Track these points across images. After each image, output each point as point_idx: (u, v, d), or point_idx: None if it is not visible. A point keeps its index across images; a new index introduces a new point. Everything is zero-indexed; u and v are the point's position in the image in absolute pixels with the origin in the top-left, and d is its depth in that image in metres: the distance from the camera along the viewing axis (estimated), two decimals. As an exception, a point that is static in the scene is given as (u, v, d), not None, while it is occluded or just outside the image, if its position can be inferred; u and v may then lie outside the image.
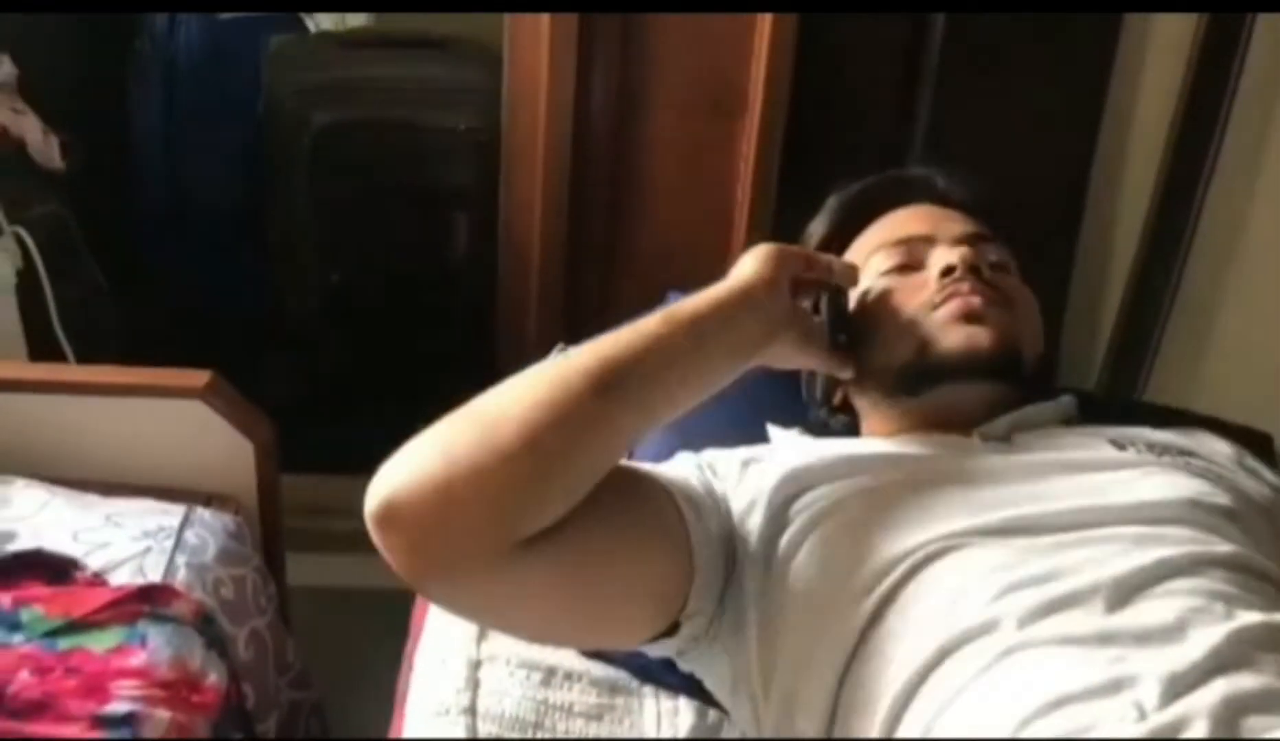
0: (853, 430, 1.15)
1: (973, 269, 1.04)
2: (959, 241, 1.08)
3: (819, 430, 1.16)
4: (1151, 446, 1.00)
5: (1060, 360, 1.86)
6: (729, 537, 0.96)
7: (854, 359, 1.06)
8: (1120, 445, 1.00)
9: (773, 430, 1.17)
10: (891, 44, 1.84)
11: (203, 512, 1.39)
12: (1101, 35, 1.79)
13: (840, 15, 1.79)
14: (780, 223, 1.82)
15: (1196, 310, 1.88)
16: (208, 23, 2.19)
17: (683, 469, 1.01)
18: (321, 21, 2.23)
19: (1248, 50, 1.72)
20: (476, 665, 1.09)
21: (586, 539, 0.86)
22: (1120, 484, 0.94)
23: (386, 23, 2.29)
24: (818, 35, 1.79)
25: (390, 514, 0.80)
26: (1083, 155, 1.84)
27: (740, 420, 1.15)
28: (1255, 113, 1.77)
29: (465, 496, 0.80)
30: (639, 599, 0.92)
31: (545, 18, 1.75)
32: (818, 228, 1.20)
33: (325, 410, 2.04)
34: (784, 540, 0.96)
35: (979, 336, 1.01)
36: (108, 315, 2.08)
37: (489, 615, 0.93)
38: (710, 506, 0.96)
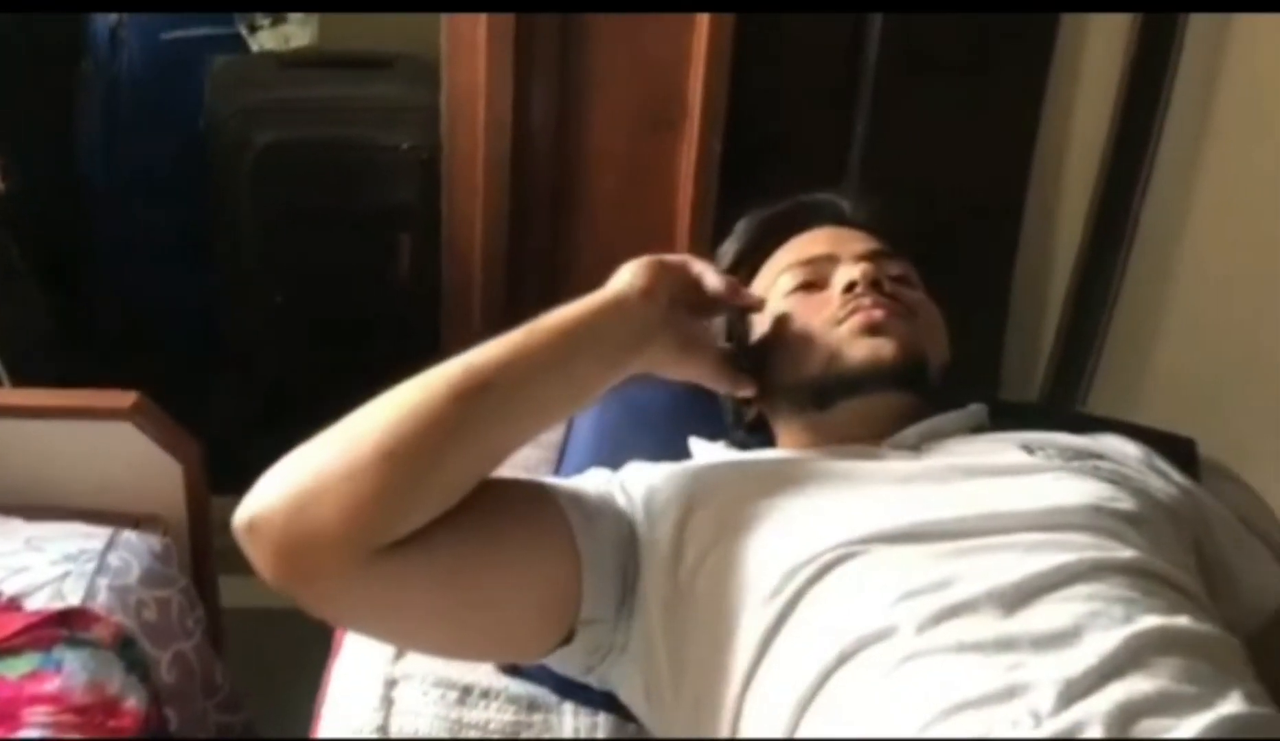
0: (770, 445, 1.15)
1: (874, 283, 1.06)
2: (860, 258, 1.10)
3: (742, 447, 1.17)
4: (1061, 451, 1.01)
5: (1002, 372, 1.87)
6: (626, 546, 0.96)
7: (753, 378, 1.08)
8: (1029, 450, 1.01)
9: (695, 443, 1.17)
10: (829, 55, 1.85)
11: (129, 535, 1.37)
12: (1038, 42, 1.80)
13: (778, 27, 1.81)
14: (721, 234, 1.82)
15: (1137, 318, 1.89)
16: (150, 43, 2.17)
17: (582, 479, 1.03)
18: (264, 42, 2.23)
19: (1181, 54, 1.73)
20: (391, 684, 1.08)
21: (457, 545, 0.88)
22: (1025, 489, 0.94)
23: (330, 42, 2.29)
24: (755, 47, 1.79)
25: (251, 525, 0.84)
26: (1021, 164, 1.85)
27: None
28: (1191, 117, 1.78)
29: (320, 505, 0.82)
30: (524, 605, 0.93)
31: (482, 31, 1.75)
32: (728, 250, 1.23)
33: (269, 430, 2.02)
34: (689, 550, 0.96)
35: (883, 348, 1.03)
36: (48, 336, 2.07)
37: (364, 623, 0.94)
38: (607, 514, 0.97)
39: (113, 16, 2.15)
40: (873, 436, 1.05)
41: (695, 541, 0.96)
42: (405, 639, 0.99)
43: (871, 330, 1.04)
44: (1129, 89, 1.76)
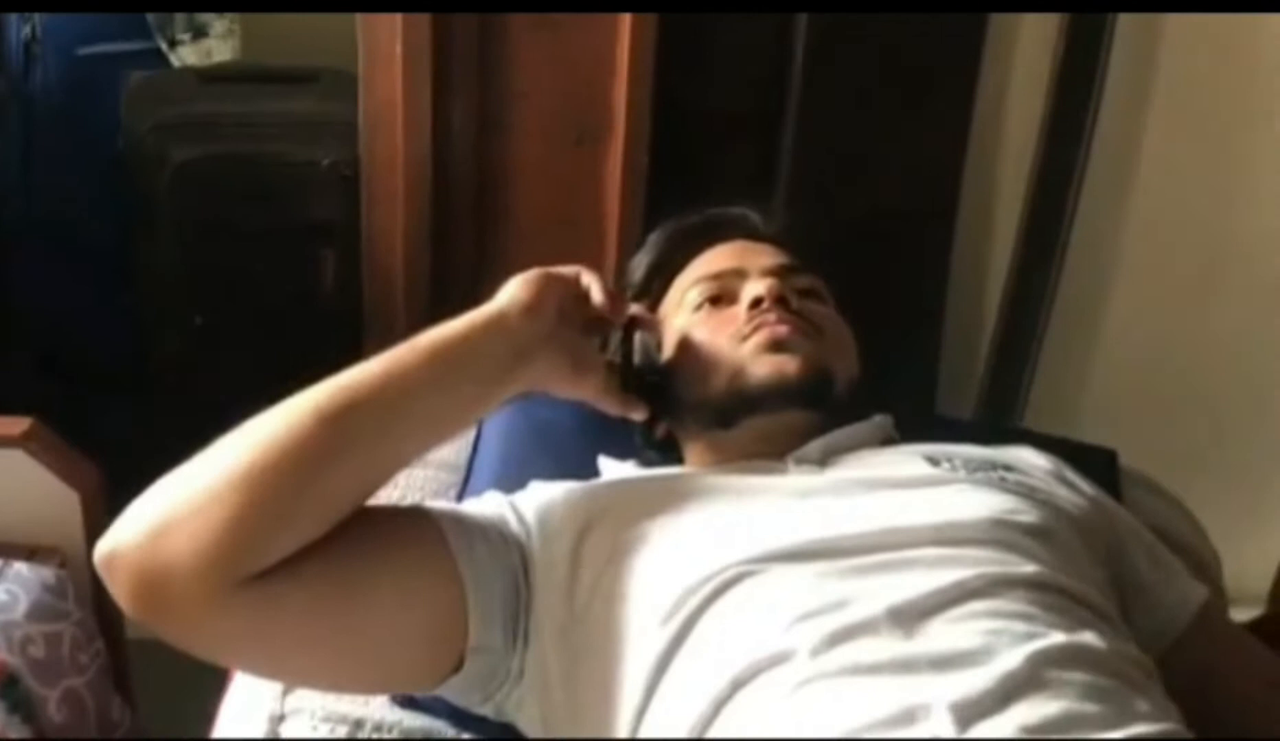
0: (679, 463, 1.12)
1: (779, 299, 1.04)
2: (767, 273, 1.08)
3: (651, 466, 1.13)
4: (966, 462, 0.98)
5: (938, 387, 1.84)
6: (516, 570, 0.92)
7: (644, 400, 1.04)
8: (934, 461, 0.98)
9: (604, 463, 1.14)
10: (756, 63, 1.82)
11: (19, 567, 1.31)
12: (966, 46, 1.77)
13: (703, 35, 1.78)
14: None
15: (1072, 328, 1.87)
16: (66, 60, 2.12)
17: (474, 502, 0.99)
18: (185, 57, 2.17)
19: (1110, 55, 1.71)
20: (279, 720, 1.03)
21: (327, 573, 0.84)
22: (926, 502, 0.91)
23: (253, 57, 2.24)
24: (681, 57, 1.77)
25: (108, 559, 0.81)
26: (952, 170, 1.82)
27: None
28: (1123, 121, 1.77)
29: (176, 536, 0.79)
30: (405, 634, 0.89)
31: (398, 43, 1.71)
32: (639, 262, 1.21)
33: (188, 455, 1.96)
34: (584, 573, 0.92)
35: (786, 364, 1.00)
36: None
37: (233, 657, 0.90)
38: (494, 537, 0.93)
39: (26, 30, 2.09)
40: (777, 453, 1.02)
41: (590, 563, 0.92)
42: (282, 673, 0.95)
43: (775, 347, 1.02)
44: (1059, 93, 1.74)
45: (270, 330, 2.03)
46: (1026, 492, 0.94)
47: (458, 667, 0.91)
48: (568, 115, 1.79)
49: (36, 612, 1.26)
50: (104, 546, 0.82)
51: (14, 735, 1.13)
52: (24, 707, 1.17)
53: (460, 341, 0.91)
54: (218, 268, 2.00)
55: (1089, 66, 1.72)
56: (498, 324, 0.93)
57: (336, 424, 0.85)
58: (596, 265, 1.82)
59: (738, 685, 0.80)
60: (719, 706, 0.80)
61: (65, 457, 1.36)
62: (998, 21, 1.74)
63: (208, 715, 1.16)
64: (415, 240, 1.83)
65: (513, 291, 0.95)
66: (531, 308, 0.94)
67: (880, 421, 1.09)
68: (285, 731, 1.02)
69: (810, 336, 1.04)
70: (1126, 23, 1.69)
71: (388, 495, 1.23)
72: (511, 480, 1.17)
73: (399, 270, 1.85)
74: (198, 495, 0.81)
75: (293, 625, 0.84)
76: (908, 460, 0.99)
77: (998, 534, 0.88)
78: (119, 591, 0.82)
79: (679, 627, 0.85)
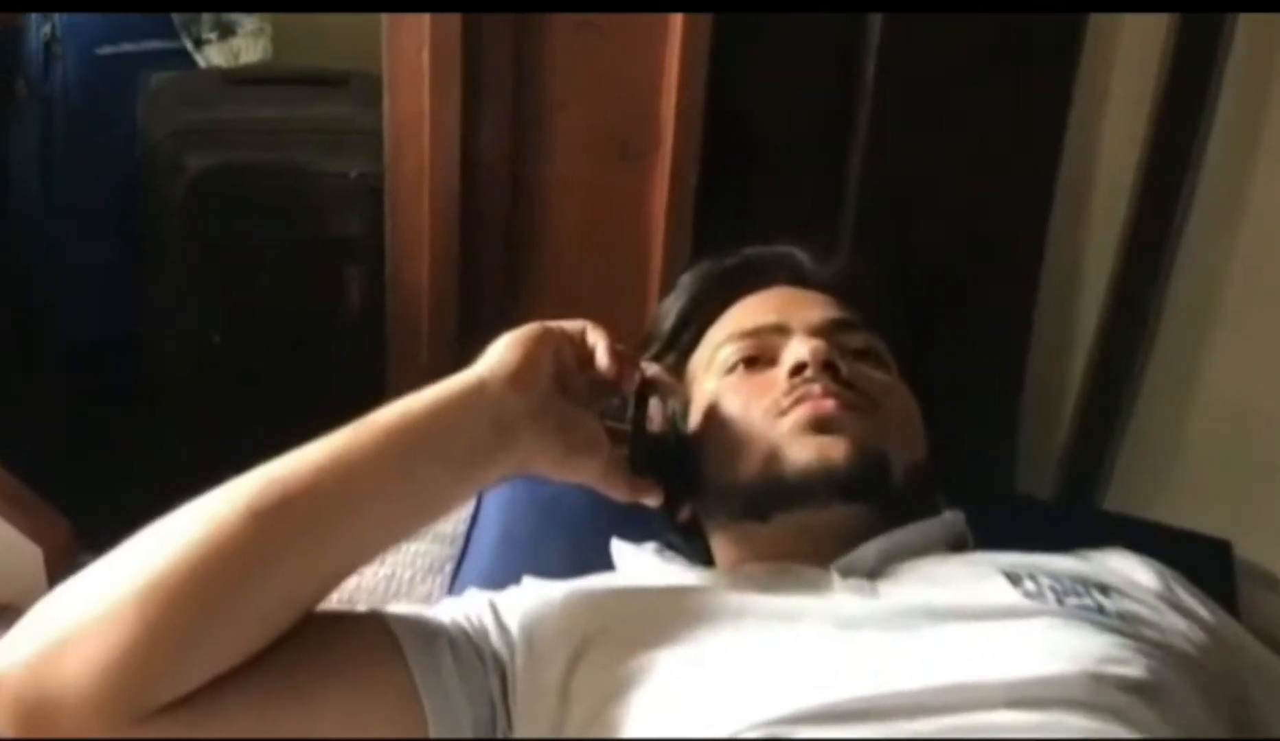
0: (707, 553, 0.94)
1: (826, 365, 0.86)
2: (814, 331, 0.90)
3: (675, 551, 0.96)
4: (1055, 582, 0.78)
5: (1017, 454, 1.63)
6: (491, 696, 0.77)
7: (657, 483, 0.86)
8: (1015, 579, 0.79)
9: (617, 547, 0.97)
10: (821, 73, 1.64)
11: (-27, 629, 1.17)
12: (1059, 66, 1.57)
13: (763, 40, 1.60)
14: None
15: (1165, 397, 1.64)
16: (87, 60, 1.99)
17: (444, 605, 0.83)
18: (212, 57, 2.04)
19: (1217, 98, 1.49)
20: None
21: (255, 705, 0.70)
22: (1004, 645, 0.73)
23: (284, 59, 2.10)
24: (737, 64, 1.59)
25: None
26: (1040, 203, 1.62)
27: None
28: (1235, 149, 1.54)
29: (68, 658, 0.66)
30: None
31: (425, 51, 1.56)
32: (670, 308, 1.04)
33: (208, 481, 1.83)
34: (575, 707, 0.76)
35: (832, 448, 0.82)
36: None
37: None
38: (466, 655, 0.78)
39: (46, 28, 1.97)
40: (820, 557, 0.83)
41: (583, 698, 0.76)
42: None
43: (818, 426, 0.84)
44: (1164, 108, 1.53)
45: (291, 351, 1.90)
46: (1131, 632, 0.75)
47: None
48: (610, 127, 1.62)
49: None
50: None
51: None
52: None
53: (427, 417, 0.75)
54: (235, 283, 1.87)
55: (1192, 109, 1.52)
56: (475, 395, 0.77)
57: (272, 524, 0.70)
58: (637, 295, 1.70)
59: None
60: None
61: (29, 509, 1.23)
62: (1092, 53, 1.53)
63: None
64: (442, 260, 1.68)
65: (499, 354, 0.79)
66: (518, 376, 0.77)
67: (950, 520, 0.90)
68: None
69: (863, 412, 0.86)
70: (1243, 28, 1.47)
71: (374, 571, 1.08)
72: (512, 561, 1.03)
73: (424, 293, 1.70)
74: (96, 610, 0.67)
75: None
76: (983, 578, 0.80)
77: (1094, 695, 0.69)
78: (1, 722, 0.68)
79: (684, 802, 0.68)
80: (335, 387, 1.89)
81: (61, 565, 1.24)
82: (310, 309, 1.89)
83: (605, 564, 0.97)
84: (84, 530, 1.32)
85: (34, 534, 1.22)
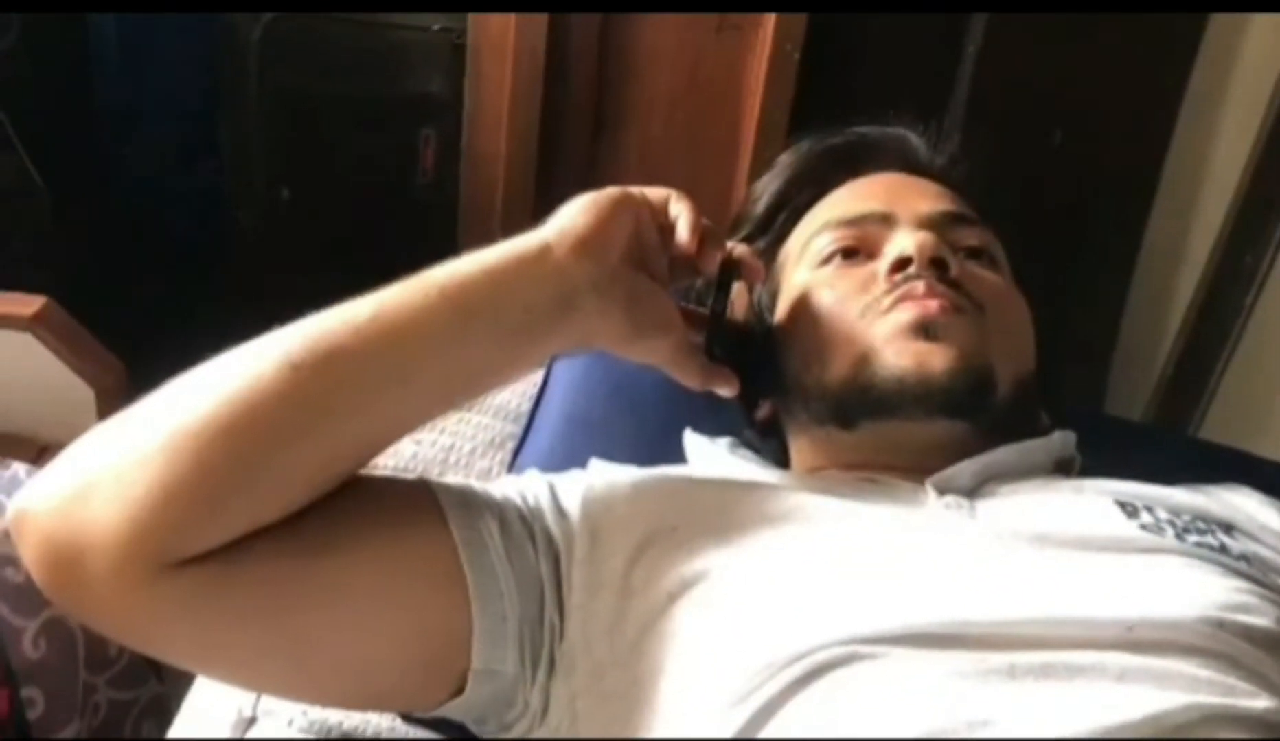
0: (784, 455, 0.87)
1: (934, 262, 0.76)
2: (924, 224, 0.80)
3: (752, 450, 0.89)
4: (1174, 516, 0.70)
5: (1109, 381, 1.54)
6: (541, 583, 0.71)
7: (733, 373, 0.78)
8: (1130, 509, 0.71)
9: (690, 440, 0.90)
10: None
11: (17, 469, 1.13)
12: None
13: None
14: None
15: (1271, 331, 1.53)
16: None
17: (498, 483, 0.76)
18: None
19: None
20: (248, 723, 0.83)
21: (282, 563, 0.65)
22: (1116, 581, 0.65)
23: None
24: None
25: (18, 521, 0.64)
26: (1165, 116, 1.50)
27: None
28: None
29: (96, 505, 0.62)
30: (386, 648, 0.68)
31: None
32: (765, 187, 0.93)
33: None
34: (634, 604, 0.70)
35: (932, 357, 0.74)
36: (40, 220, 1.85)
37: (164, 654, 0.69)
38: (518, 535, 0.71)
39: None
40: (909, 471, 0.75)
41: (645, 593, 0.69)
42: (230, 679, 0.74)
43: (919, 330, 0.74)
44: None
45: (360, 211, 1.84)
46: (1257, 576, 0.67)
47: (460, 690, 0.70)
48: (709, -1, 1.53)
49: (24, 529, 1.09)
50: (15, 504, 0.65)
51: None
52: (-8, 641, 1.00)
53: (484, 281, 0.67)
54: (308, 139, 1.80)
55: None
56: (537, 259, 0.68)
57: (311, 378, 0.63)
58: (725, 178, 1.61)
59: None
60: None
61: (82, 347, 1.18)
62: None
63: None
64: (522, 127, 1.60)
65: (570, 216, 0.70)
66: (587, 241, 0.69)
67: (1059, 441, 0.81)
68: (255, 735, 0.82)
69: (971, 318, 0.77)
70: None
71: (432, 440, 1.02)
72: (577, 443, 0.96)
73: (501, 161, 1.63)
74: (128, 454, 0.62)
75: (232, 625, 0.65)
76: (1093, 505, 0.72)
77: (1215, 643, 0.61)
78: (28, 561, 0.64)
79: (751, 717, 0.62)
80: (403, 252, 1.84)
81: (112, 409, 1.20)
82: (382, 169, 1.82)
83: (675, 456, 0.90)
84: (138, 375, 1.29)
85: (87, 375, 1.18)
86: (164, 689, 1.24)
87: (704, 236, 0.73)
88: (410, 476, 0.75)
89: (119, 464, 0.62)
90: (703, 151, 1.62)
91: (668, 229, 0.73)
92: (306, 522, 0.65)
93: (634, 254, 0.71)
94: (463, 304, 0.66)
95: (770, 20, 1.51)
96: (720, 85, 1.58)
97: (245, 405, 0.62)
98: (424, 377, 0.67)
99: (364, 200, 1.83)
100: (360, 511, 0.68)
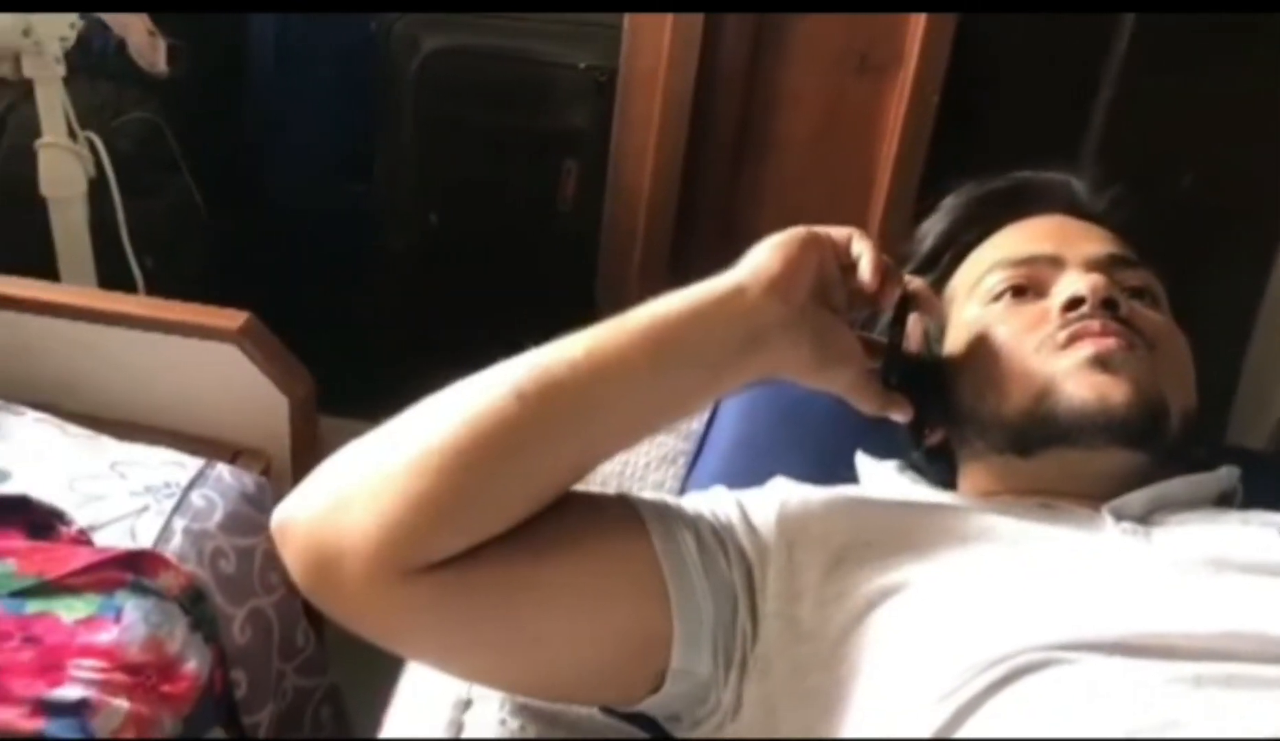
0: (950, 478, 0.93)
1: (1106, 303, 0.82)
2: (1092, 266, 0.86)
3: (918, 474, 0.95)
4: None
5: (1232, 411, 1.58)
6: (735, 593, 0.77)
7: (908, 400, 0.85)
8: None
9: (862, 461, 0.96)
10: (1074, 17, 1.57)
11: (221, 469, 1.24)
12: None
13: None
14: (926, 198, 1.59)
15: None
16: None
17: (698, 500, 0.83)
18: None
19: None
20: (465, 705, 0.91)
21: (513, 569, 0.73)
22: None
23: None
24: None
25: (282, 528, 0.74)
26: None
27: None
28: None
29: (351, 511, 0.71)
30: (595, 645, 0.76)
31: (674, -55, 1.55)
32: (930, 229, 0.99)
33: (407, 355, 1.88)
34: (832, 614, 0.76)
35: (1112, 390, 0.79)
36: (197, 235, 1.98)
37: (404, 648, 0.80)
38: (711, 547, 0.78)
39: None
40: (1082, 498, 0.81)
41: (843, 603, 0.76)
42: (456, 671, 0.83)
43: (1099, 364, 0.80)
44: None
45: (503, 237, 1.93)
46: None
47: (658, 686, 0.77)
48: (852, 41, 1.59)
49: (232, 524, 1.19)
50: (278, 514, 0.74)
51: (193, 655, 1.06)
52: (207, 626, 1.10)
53: (685, 321, 0.75)
54: (457, 165, 1.90)
55: None
56: (734, 301, 0.75)
57: (535, 408, 0.72)
58: (858, 215, 1.67)
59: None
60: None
61: (279, 359, 1.28)
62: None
63: (396, 660, 1.07)
64: (667, 162, 1.68)
65: (762, 258, 0.77)
66: (779, 283, 0.76)
67: (1225, 475, 0.87)
68: (470, 718, 0.90)
69: (1142, 354, 0.82)
70: None
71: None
72: (744, 469, 1.02)
73: (644, 194, 1.71)
74: (379, 471, 0.72)
75: (468, 624, 0.74)
76: (1261, 535, 0.77)
77: None
78: (290, 564, 0.74)
79: (954, 713, 0.68)
80: (541, 277, 1.93)
81: (303, 417, 1.31)
82: (526, 197, 1.91)
83: (844, 476, 0.97)
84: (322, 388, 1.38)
85: (283, 385, 1.28)
86: (338, 681, 1.33)
87: (885, 272, 0.80)
88: (594, 488, 0.83)
89: (371, 479, 0.71)
90: (839, 188, 1.69)
91: (848, 266, 0.80)
92: (528, 532, 0.73)
93: (819, 290, 0.78)
94: (662, 342, 0.74)
95: (912, 64, 1.57)
96: (859, 125, 1.64)
97: (480, 430, 0.71)
98: (629, 409, 0.75)
99: (507, 226, 1.93)
100: (573, 523, 0.76)
